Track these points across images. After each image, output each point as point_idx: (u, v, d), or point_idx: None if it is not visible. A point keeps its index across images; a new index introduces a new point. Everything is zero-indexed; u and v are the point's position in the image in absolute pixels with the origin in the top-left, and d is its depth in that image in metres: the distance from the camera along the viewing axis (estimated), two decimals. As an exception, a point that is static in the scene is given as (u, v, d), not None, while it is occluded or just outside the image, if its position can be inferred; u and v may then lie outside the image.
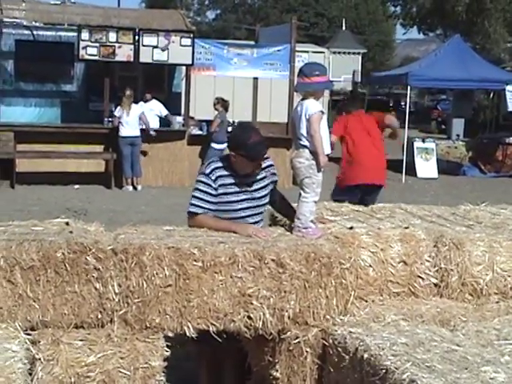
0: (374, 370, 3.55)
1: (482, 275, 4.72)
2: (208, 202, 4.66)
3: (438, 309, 4.49)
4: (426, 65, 20.07)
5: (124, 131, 15.25)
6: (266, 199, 4.85)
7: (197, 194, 4.68)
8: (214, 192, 4.67)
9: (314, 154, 4.52)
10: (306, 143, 4.54)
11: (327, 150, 4.56)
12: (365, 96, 25.54)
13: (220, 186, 4.67)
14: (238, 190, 4.71)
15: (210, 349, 4.69)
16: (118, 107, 15.34)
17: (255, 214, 4.78)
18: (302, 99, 4.61)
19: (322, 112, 4.56)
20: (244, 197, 4.72)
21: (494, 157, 20.53)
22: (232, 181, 4.70)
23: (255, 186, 4.77)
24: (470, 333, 4.01)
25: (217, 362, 4.85)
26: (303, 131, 4.55)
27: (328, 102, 24.07)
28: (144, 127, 15.54)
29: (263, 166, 4.79)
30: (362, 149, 8.62)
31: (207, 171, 4.71)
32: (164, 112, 16.38)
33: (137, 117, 15.38)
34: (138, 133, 15.40)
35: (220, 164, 4.73)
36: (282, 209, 5.04)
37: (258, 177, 4.78)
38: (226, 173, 4.70)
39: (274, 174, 4.90)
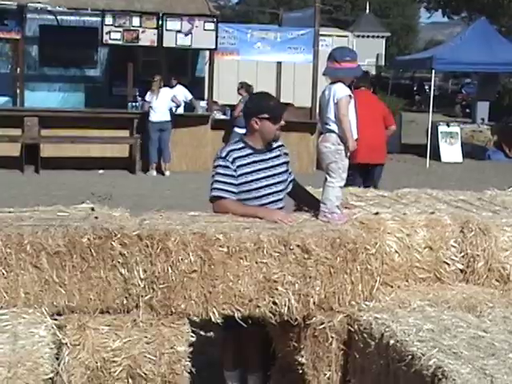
0: (400, 356, 3.53)
1: (509, 261, 4.67)
2: (230, 184, 4.68)
3: (464, 295, 4.45)
4: (451, 48, 19.89)
5: (154, 116, 15.31)
6: (285, 176, 4.89)
7: (218, 177, 4.70)
8: (234, 173, 4.70)
9: (343, 138, 4.49)
10: (334, 127, 4.51)
11: (355, 134, 4.53)
12: (389, 80, 25.38)
13: (238, 167, 4.71)
14: (256, 168, 4.75)
15: (234, 334, 4.71)
16: (149, 92, 15.39)
17: (276, 192, 4.81)
18: (331, 83, 4.57)
19: (351, 96, 4.53)
20: (263, 175, 4.77)
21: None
22: (249, 160, 4.75)
23: (272, 163, 4.82)
24: (497, 319, 3.98)
25: (242, 347, 4.86)
26: (331, 115, 4.52)
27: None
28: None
29: (274, 145, 4.88)
30: (362, 127, 8.70)
31: (223, 154, 4.75)
32: (189, 97, 16.39)
33: (167, 102, 15.41)
34: (168, 117, 15.45)
35: (235, 146, 4.80)
36: (303, 199, 5.06)
37: (273, 154, 4.86)
38: (242, 154, 4.75)
39: (286, 153, 4.99)
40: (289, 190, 4.97)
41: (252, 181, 4.73)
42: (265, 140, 4.82)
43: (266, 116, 4.74)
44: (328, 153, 4.53)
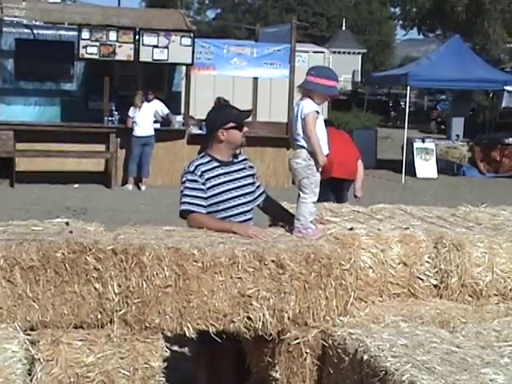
0: (374, 372, 3.54)
1: (482, 276, 4.72)
2: (199, 197, 4.71)
3: (438, 310, 4.49)
4: (426, 65, 20.08)
5: (138, 131, 15.36)
6: (251, 188, 4.93)
7: (186, 192, 4.74)
8: (203, 187, 4.74)
9: (312, 153, 4.51)
10: (303, 143, 4.53)
11: (325, 149, 4.55)
12: (364, 96, 25.54)
13: (207, 180, 4.75)
14: (223, 180, 4.80)
15: (208, 350, 4.70)
16: (131, 107, 15.39)
17: (244, 203, 4.85)
18: (300, 99, 4.59)
19: (317, 112, 4.53)
20: (231, 186, 4.81)
21: (493, 157, 20.55)
22: (217, 173, 4.80)
23: (238, 175, 4.87)
24: (470, 334, 4.01)
25: (216, 362, 4.85)
26: (299, 131, 4.54)
27: (328, 102, 24.04)
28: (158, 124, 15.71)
29: (240, 159, 4.96)
30: (334, 144, 8.75)
31: (191, 169, 4.79)
32: (165, 111, 16.39)
33: (150, 116, 15.44)
34: (151, 132, 15.48)
35: (202, 160, 4.84)
36: (276, 214, 5.10)
37: (239, 167, 4.91)
38: (209, 167, 4.80)
39: (251, 166, 5.03)
40: (258, 202, 5.01)
41: (220, 193, 4.76)
42: (232, 149, 4.88)
43: (232, 125, 4.80)
44: (299, 169, 4.55)
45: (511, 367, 3.46)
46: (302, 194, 4.58)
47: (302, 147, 4.54)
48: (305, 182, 4.55)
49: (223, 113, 4.98)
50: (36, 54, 16.63)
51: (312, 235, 4.50)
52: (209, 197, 4.75)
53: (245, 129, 4.91)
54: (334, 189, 8.77)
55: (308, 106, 4.51)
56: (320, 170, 4.58)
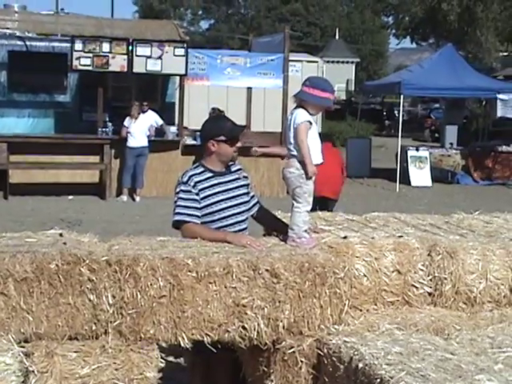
0: (369, 380, 3.54)
1: (476, 284, 4.73)
2: (193, 208, 4.72)
3: (432, 317, 4.49)
4: (419, 73, 20.15)
5: (132, 142, 15.38)
6: (246, 198, 4.95)
7: (180, 202, 4.75)
8: (196, 197, 4.75)
9: (302, 163, 4.52)
10: (295, 153, 4.54)
11: (317, 159, 4.54)
12: (358, 105, 25.61)
13: (200, 190, 4.77)
14: (217, 191, 4.81)
15: (203, 359, 4.69)
16: (127, 117, 15.41)
17: (238, 213, 4.87)
18: (294, 108, 4.60)
19: (310, 122, 4.52)
20: (225, 197, 4.82)
21: (486, 165, 20.61)
22: (210, 183, 4.81)
23: (232, 185, 4.89)
24: (464, 341, 4.01)
25: (211, 372, 4.84)
26: (292, 140, 4.55)
27: (322, 112, 24.09)
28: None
29: (233, 169, 4.97)
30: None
31: (185, 179, 4.80)
32: (159, 122, 16.42)
33: (145, 127, 15.46)
34: (145, 143, 15.50)
35: (196, 171, 4.85)
36: (270, 224, 5.10)
37: (233, 177, 4.93)
38: (202, 177, 4.81)
39: (245, 176, 5.05)
40: (253, 212, 5.02)
41: (214, 203, 4.78)
42: (222, 162, 4.89)
43: (223, 138, 4.82)
44: (292, 178, 4.55)
45: (505, 373, 3.46)
46: (295, 203, 4.59)
47: (294, 156, 4.55)
48: (298, 191, 4.56)
49: (217, 125, 4.99)
50: (29, 66, 16.67)
51: (306, 244, 4.51)
52: (203, 207, 4.76)
53: (238, 144, 4.92)
54: (318, 208, 8.74)
55: (301, 116, 4.52)
56: (313, 179, 4.58)
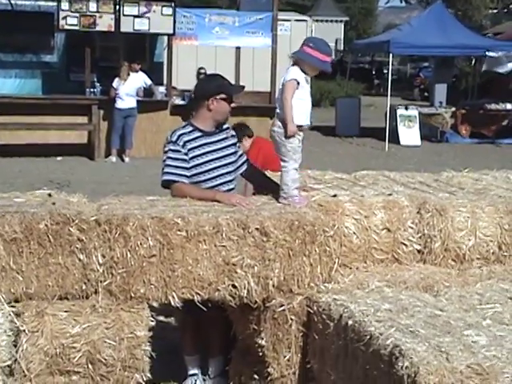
0: (359, 337, 3.57)
1: (465, 241, 4.74)
2: (182, 167, 4.72)
3: (422, 275, 4.51)
4: (408, 32, 20.03)
5: (120, 103, 15.26)
6: (233, 158, 4.94)
7: (169, 162, 4.73)
8: (185, 157, 4.75)
9: (283, 121, 4.47)
10: (279, 110, 4.51)
11: (302, 120, 4.48)
12: (347, 64, 25.49)
13: (189, 150, 4.76)
14: (206, 150, 4.81)
15: (193, 318, 4.72)
16: (116, 78, 15.28)
17: (226, 173, 4.88)
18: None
19: (298, 82, 4.47)
20: (213, 156, 4.82)
21: (475, 123, 20.59)
22: (199, 143, 4.81)
23: (220, 145, 4.88)
24: (453, 298, 4.04)
25: (201, 331, 4.87)
26: (278, 97, 4.53)
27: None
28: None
29: (222, 128, 4.96)
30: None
31: (174, 139, 4.78)
32: (148, 82, 16.29)
33: (134, 88, 15.33)
34: (134, 104, 15.37)
35: (185, 130, 4.84)
36: (260, 182, 5.08)
37: (221, 136, 4.92)
38: (191, 137, 4.80)
39: (233, 135, 5.05)
40: (241, 171, 5.01)
41: (203, 163, 4.77)
42: (217, 121, 4.88)
43: (223, 96, 4.80)
44: (276, 136, 4.51)
45: (493, 328, 3.50)
46: (282, 163, 4.55)
47: (278, 114, 4.52)
48: (282, 150, 4.52)
49: (215, 83, 4.94)
50: (15, 26, 16.46)
51: (298, 203, 4.49)
52: (191, 167, 4.75)
53: (233, 104, 4.90)
54: None
55: (290, 74, 4.48)
56: (299, 138, 4.51)
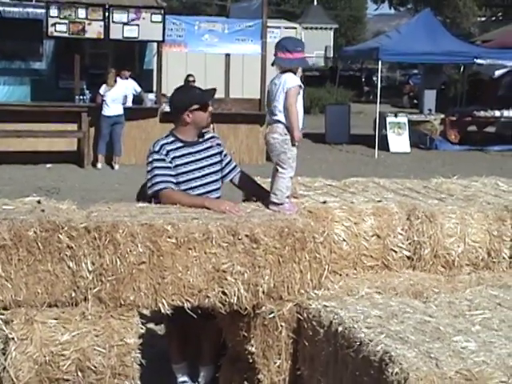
0: (349, 343, 3.57)
1: (454, 247, 4.76)
2: (169, 175, 4.73)
3: (411, 281, 4.52)
4: (396, 39, 20.11)
5: (106, 111, 15.22)
6: (218, 166, 4.96)
7: (156, 171, 4.73)
8: (170, 165, 4.76)
9: (289, 128, 4.50)
10: (280, 117, 4.51)
11: (301, 125, 4.54)
12: (337, 71, 25.55)
13: (173, 158, 4.78)
14: (189, 160, 4.83)
15: (179, 326, 4.71)
16: (104, 85, 15.25)
17: (210, 182, 4.89)
18: (281, 73, 4.57)
19: (300, 86, 4.53)
20: (196, 166, 4.84)
21: (465, 130, 20.68)
22: (182, 153, 4.82)
23: (204, 154, 4.91)
24: (443, 304, 4.05)
25: (189, 339, 4.86)
26: (279, 105, 4.50)
27: (300, 78, 24.00)
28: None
29: (206, 137, 4.98)
30: None
31: (157, 148, 4.80)
32: (138, 89, 16.30)
33: (120, 95, 15.31)
34: (121, 111, 15.34)
35: (166, 140, 4.86)
36: (251, 190, 5.08)
37: (204, 146, 4.94)
38: (174, 147, 4.82)
39: (219, 144, 5.06)
40: (231, 178, 5.03)
41: (185, 172, 4.79)
42: (198, 129, 4.91)
43: (196, 106, 4.82)
44: (276, 143, 4.53)
45: (482, 334, 3.51)
46: (279, 169, 4.55)
47: (279, 121, 4.52)
48: (282, 158, 4.53)
49: (187, 95, 4.96)
50: (3, 33, 16.43)
51: (288, 210, 4.50)
52: (176, 174, 4.76)
53: (210, 108, 4.92)
54: None
55: (291, 80, 4.50)
56: (296, 144, 4.57)
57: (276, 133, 4.53)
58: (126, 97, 15.60)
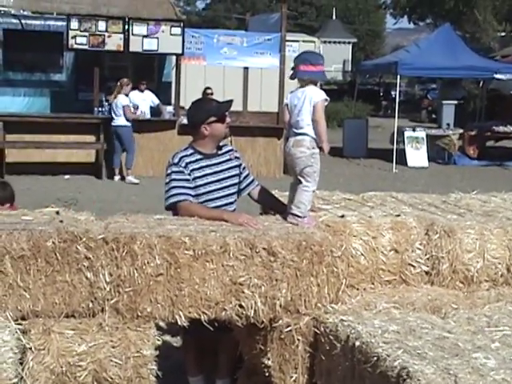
0: (366, 358, 3.55)
1: (473, 263, 4.73)
2: (187, 187, 4.73)
3: (429, 296, 4.49)
4: (415, 53, 20.08)
5: (112, 121, 15.25)
6: (236, 180, 4.96)
7: (174, 183, 4.74)
8: (189, 177, 4.76)
9: (319, 141, 4.50)
10: (307, 131, 4.50)
11: None
12: (355, 85, 25.55)
13: (191, 171, 4.78)
14: (207, 173, 4.83)
15: (196, 338, 4.70)
16: (121, 96, 15.30)
17: (227, 195, 4.89)
18: (301, 87, 4.57)
19: (326, 99, 4.54)
20: (214, 179, 4.84)
21: (483, 145, 20.59)
22: (200, 165, 4.83)
23: (221, 167, 4.91)
24: (461, 320, 4.02)
25: (206, 352, 4.85)
26: (305, 118, 4.49)
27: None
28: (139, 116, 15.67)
29: (224, 150, 4.98)
30: None
31: (176, 161, 4.81)
32: (156, 101, 16.34)
33: (120, 106, 15.34)
34: (121, 123, 15.27)
35: (185, 152, 4.87)
36: (269, 203, 5.08)
37: (223, 159, 4.94)
38: (193, 159, 4.83)
39: (237, 157, 5.06)
40: (247, 192, 5.04)
41: (203, 185, 4.79)
42: (217, 141, 4.92)
43: (213, 119, 4.82)
44: (304, 157, 4.51)
45: (502, 351, 3.47)
46: (304, 183, 4.54)
47: (305, 134, 4.51)
48: (308, 171, 4.53)
49: (204, 108, 4.97)
50: (25, 45, 16.57)
51: (307, 223, 4.49)
52: (194, 187, 4.76)
53: (227, 119, 4.93)
54: None
55: (318, 94, 4.51)
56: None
57: (303, 146, 4.51)
58: (126, 107, 15.46)
